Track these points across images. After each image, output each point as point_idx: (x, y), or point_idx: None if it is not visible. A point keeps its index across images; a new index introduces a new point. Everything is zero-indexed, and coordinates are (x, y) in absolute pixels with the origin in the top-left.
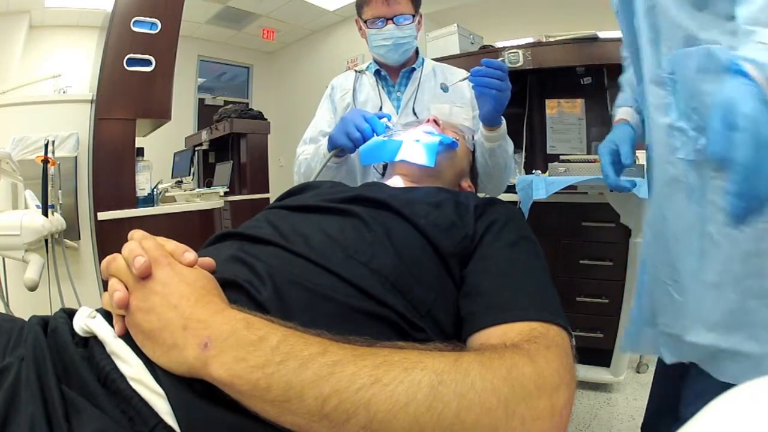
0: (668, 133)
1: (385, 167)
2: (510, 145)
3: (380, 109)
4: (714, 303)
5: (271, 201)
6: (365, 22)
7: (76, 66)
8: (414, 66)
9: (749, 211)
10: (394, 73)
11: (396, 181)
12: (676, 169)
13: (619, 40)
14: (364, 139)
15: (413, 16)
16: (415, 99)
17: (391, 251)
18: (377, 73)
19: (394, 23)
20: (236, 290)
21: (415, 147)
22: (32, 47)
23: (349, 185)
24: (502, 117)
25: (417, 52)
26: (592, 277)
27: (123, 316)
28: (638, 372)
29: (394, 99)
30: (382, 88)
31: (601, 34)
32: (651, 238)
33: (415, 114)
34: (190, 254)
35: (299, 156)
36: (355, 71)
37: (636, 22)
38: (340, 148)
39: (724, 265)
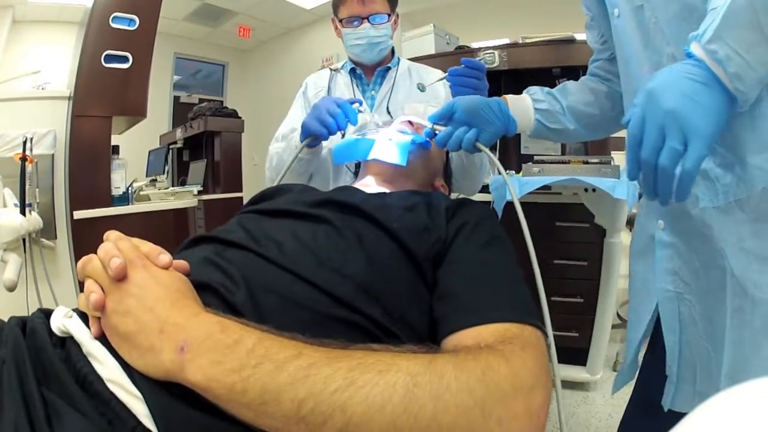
0: None
1: (357, 166)
2: None
3: None
4: (745, 363)
5: (245, 200)
6: (341, 21)
7: (55, 62)
8: (389, 65)
9: (647, 185)
10: (369, 72)
11: (368, 182)
12: (698, 220)
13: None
14: (338, 125)
15: (389, 15)
16: (389, 98)
17: (363, 257)
18: (352, 71)
19: (369, 22)
20: (210, 293)
21: (387, 146)
22: (14, 42)
23: (320, 188)
24: None
25: (393, 51)
26: (567, 277)
27: (99, 318)
28: (615, 370)
29: (368, 98)
30: (357, 86)
31: (578, 36)
32: (686, 292)
33: (389, 113)
34: (165, 256)
35: (271, 151)
36: (330, 70)
37: (620, 47)
38: (313, 135)
39: (762, 320)
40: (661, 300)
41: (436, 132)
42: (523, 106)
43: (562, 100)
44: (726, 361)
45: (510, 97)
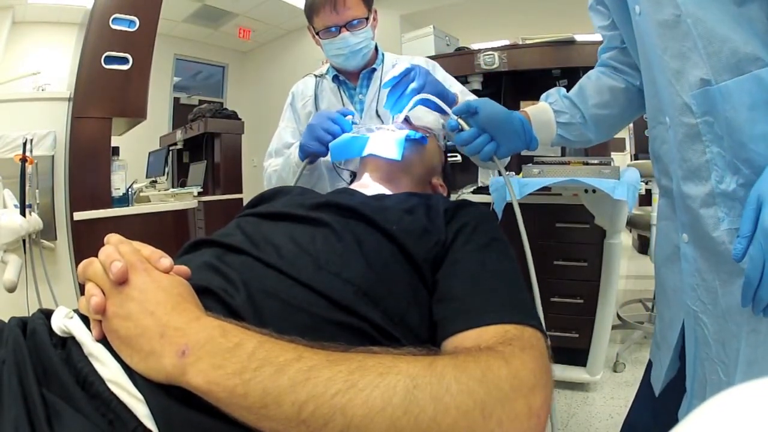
0: (706, 202)
1: (353, 175)
2: None
3: None
4: None
5: (244, 202)
6: (317, 32)
7: (55, 63)
8: (374, 66)
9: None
10: (354, 76)
11: (366, 181)
12: (719, 241)
13: (595, 42)
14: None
15: (366, 18)
16: (377, 100)
17: (362, 261)
18: (336, 78)
19: (347, 29)
20: (210, 297)
21: (382, 141)
22: (14, 43)
23: (318, 190)
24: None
25: (376, 49)
26: (567, 278)
27: (100, 321)
28: (615, 371)
29: (356, 102)
30: (344, 92)
31: (579, 37)
32: (701, 311)
33: (378, 116)
34: (166, 260)
35: (267, 169)
36: (315, 76)
37: (642, 48)
38: (314, 155)
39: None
40: (685, 314)
41: (461, 127)
42: (545, 120)
43: (582, 107)
44: (738, 380)
45: (531, 111)
